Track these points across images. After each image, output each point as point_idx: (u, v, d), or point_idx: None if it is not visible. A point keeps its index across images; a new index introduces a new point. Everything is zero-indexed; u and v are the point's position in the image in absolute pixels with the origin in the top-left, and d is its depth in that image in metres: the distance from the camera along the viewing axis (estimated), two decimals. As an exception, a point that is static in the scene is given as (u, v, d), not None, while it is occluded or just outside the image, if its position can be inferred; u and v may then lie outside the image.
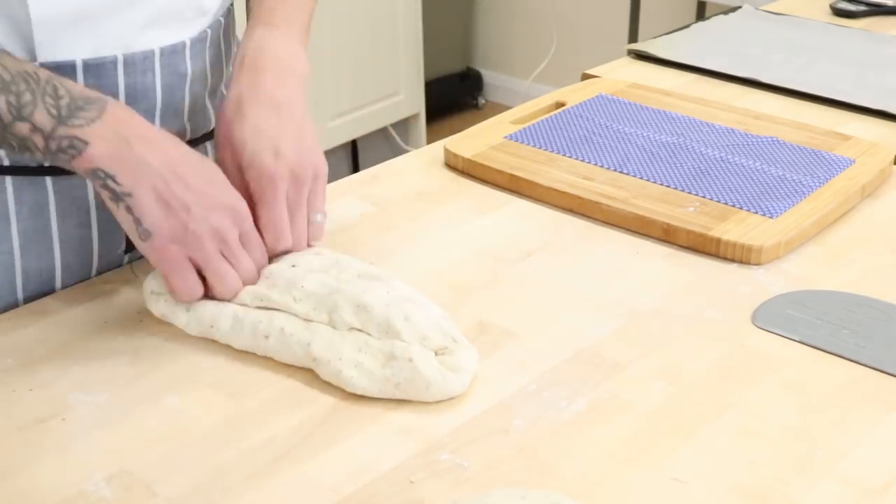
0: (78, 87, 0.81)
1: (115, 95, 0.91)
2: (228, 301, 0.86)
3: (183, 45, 0.94)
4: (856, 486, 0.72)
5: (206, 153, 1.02)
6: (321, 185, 0.91)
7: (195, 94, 0.97)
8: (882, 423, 0.78)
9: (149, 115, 0.93)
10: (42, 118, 0.78)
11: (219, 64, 1.00)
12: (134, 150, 0.80)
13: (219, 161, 0.90)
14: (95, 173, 0.80)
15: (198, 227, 0.82)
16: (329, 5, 2.93)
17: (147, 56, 0.91)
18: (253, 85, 0.90)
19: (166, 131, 0.85)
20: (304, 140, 0.90)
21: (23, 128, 0.78)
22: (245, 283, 0.86)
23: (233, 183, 0.87)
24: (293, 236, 0.89)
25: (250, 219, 0.86)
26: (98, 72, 0.89)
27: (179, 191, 0.81)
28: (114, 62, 0.89)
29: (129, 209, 0.81)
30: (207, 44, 0.97)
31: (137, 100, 0.92)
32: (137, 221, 0.81)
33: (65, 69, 0.87)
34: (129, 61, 0.90)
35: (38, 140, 0.78)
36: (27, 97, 0.78)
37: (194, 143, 1.00)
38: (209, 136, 1.02)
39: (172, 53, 0.93)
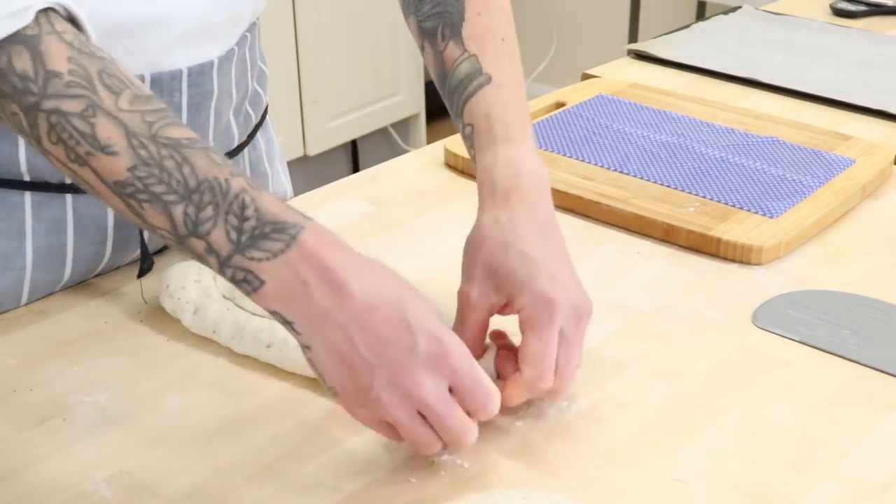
0: (274, 206, 0.67)
1: None
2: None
3: (211, 64, 0.90)
4: (856, 486, 0.72)
5: None
6: (585, 327, 0.78)
7: (220, 112, 0.94)
8: (882, 423, 0.78)
9: None
10: (219, 240, 0.66)
11: (244, 80, 0.97)
12: (312, 298, 0.67)
13: (464, 293, 0.78)
14: (274, 313, 0.68)
15: (383, 393, 0.67)
16: (329, 5, 2.93)
17: (175, 76, 0.88)
18: (510, 209, 0.80)
19: (368, 258, 0.71)
20: (575, 272, 0.79)
21: (198, 245, 0.67)
22: (459, 439, 0.70)
23: (478, 318, 0.77)
24: (559, 377, 0.76)
25: (466, 358, 0.70)
26: None
27: (364, 347, 0.67)
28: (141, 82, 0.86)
29: (310, 361, 0.69)
30: (234, 61, 0.94)
31: None
32: (321, 375, 0.69)
33: None
34: (157, 81, 0.86)
35: (213, 262, 0.67)
36: (208, 212, 0.66)
37: None
38: (231, 154, 0.99)
39: (200, 73, 0.89)
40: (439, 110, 3.84)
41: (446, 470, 0.73)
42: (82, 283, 0.95)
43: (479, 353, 0.79)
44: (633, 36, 3.03)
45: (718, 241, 0.99)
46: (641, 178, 1.09)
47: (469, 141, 0.85)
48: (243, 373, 0.83)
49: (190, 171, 0.67)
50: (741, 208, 1.03)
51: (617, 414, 0.79)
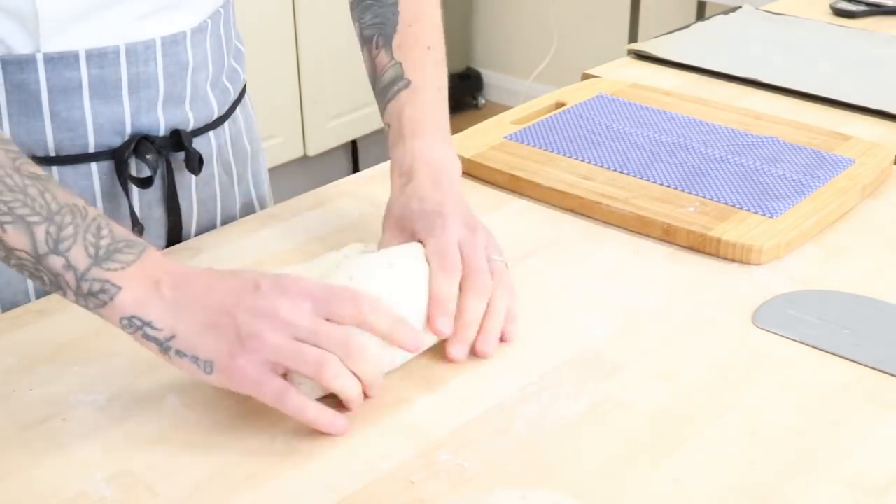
0: (122, 230, 0.76)
1: (119, 84, 0.92)
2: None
3: (184, 35, 0.96)
4: (856, 486, 0.72)
5: (209, 143, 1.03)
6: (482, 239, 0.88)
7: (196, 83, 0.99)
8: (882, 423, 0.78)
9: (152, 103, 0.95)
10: (78, 256, 0.73)
11: (220, 54, 1.02)
12: (164, 292, 0.74)
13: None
14: (131, 322, 0.74)
15: (252, 328, 0.73)
16: (329, 5, 2.93)
17: (149, 46, 0.93)
18: (414, 182, 0.90)
19: (203, 269, 0.78)
20: (472, 214, 0.90)
21: (56, 263, 0.73)
22: (351, 355, 0.75)
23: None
24: (478, 274, 0.84)
25: (312, 281, 0.77)
26: (101, 61, 0.91)
27: (218, 306, 0.74)
28: (116, 52, 0.91)
29: (179, 353, 0.74)
30: (208, 34, 0.99)
31: (140, 88, 0.94)
32: (195, 359, 0.74)
33: (68, 59, 0.89)
34: (132, 51, 0.92)
35: (70, 279, 0.73)
36: (69, 231, 0.73)
37: (197, 132, 1.01)
38: (211, 126, 1.03)
39: (173, 43, 0.95)
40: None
41: (446, 470, 0.73)
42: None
43: None
44: (633, 36, 3.03)
45: (718, 241, 0.99)
46: (641, 178, 1.09)
47: (388, 139, 0.96)
48: (243, 373, 0.83)
49: (51, 197, 0.74)
50: (741, 208, 1.03)
51: (617, 414, 0.79)
